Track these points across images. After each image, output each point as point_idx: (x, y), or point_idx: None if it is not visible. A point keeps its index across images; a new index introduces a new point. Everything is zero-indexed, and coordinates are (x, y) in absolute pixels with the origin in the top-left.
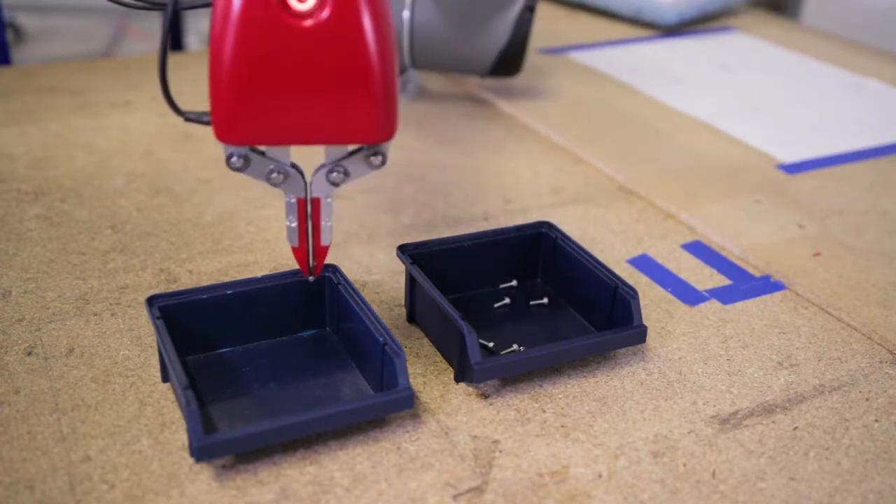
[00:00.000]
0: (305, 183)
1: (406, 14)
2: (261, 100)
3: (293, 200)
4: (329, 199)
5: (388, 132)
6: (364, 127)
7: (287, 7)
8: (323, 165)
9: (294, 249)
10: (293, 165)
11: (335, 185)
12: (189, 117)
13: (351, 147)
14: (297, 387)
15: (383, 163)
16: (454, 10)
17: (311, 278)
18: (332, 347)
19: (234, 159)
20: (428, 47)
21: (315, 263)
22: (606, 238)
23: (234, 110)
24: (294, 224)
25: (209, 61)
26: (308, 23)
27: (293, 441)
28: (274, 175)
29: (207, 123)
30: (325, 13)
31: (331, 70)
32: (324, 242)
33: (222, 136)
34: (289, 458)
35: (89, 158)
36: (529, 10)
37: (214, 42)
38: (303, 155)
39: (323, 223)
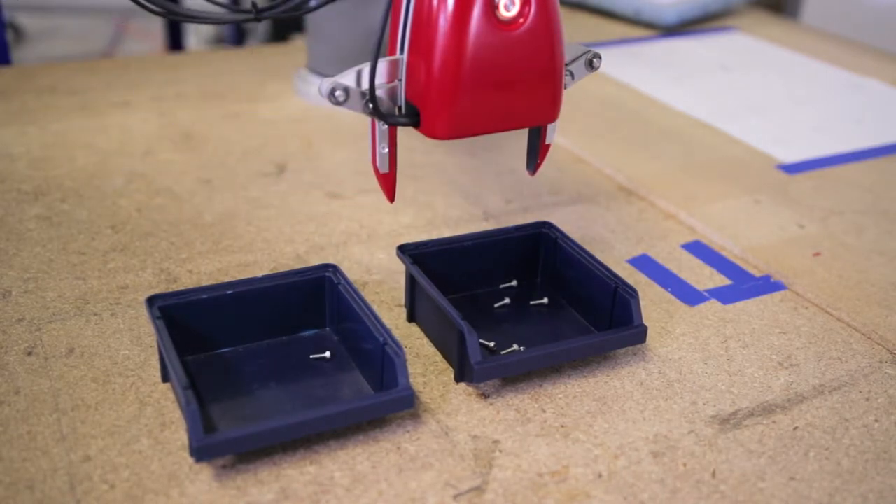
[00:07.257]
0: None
1: None
2: (476, 97)
3: (385, 127)
4: None
5: (558, 111)
6: (546, 110)
7: (495, 16)
8: None
9: (383, 176)
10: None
11: (564, 87)
12: (392, 121)
13: (571, 54)
14: (297, 387)
15: (599, 66)
16: None
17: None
18: (332, 347)
19: (338, 93)
20: None
21: (538, 161)
22: (606, 238)
23: (457, 109)
24: (386, 150)
25: (421, 72)
26: (511, 29)
27: (293, 441)
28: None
29: (410, 124)
30: (527, 21)
31: (526, 66)
32: (548, 141)
33: (445, 132)
34: (289, 458)
35: (89, 158)
36: None
37: (436, 52)
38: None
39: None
